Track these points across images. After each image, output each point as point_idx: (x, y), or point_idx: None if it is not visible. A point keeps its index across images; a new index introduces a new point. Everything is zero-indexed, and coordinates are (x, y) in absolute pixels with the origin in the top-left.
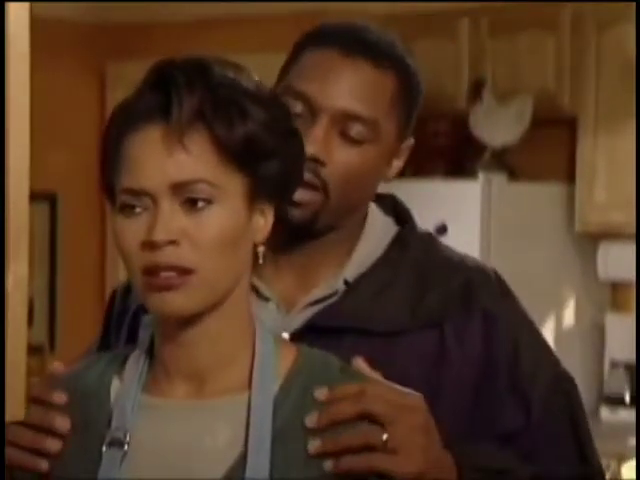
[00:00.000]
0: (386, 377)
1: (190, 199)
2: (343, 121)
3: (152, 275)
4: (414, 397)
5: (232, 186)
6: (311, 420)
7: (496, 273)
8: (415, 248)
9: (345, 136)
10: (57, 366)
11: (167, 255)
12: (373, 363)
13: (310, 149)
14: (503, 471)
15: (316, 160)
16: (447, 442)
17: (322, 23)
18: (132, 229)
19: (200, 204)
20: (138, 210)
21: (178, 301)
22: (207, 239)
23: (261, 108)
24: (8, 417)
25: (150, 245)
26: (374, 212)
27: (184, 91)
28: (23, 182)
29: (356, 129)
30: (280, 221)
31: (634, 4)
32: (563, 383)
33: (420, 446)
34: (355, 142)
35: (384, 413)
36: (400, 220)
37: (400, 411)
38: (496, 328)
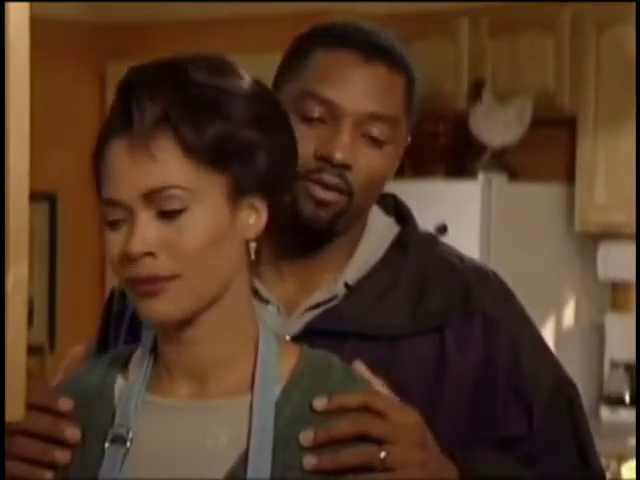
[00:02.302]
0: (387, 382)
1: (164, 204)
2: (366, 123)
3: (136, 284)
4: (411, 413)
5: (208, 187)
6: (306, 438)
7: (496, 275)
8: (415, 250)
9: (368, 138)
10: (77, 350)
11: (145, 267)
12: (374, 367)
13: (338, 155)
14: (505, 479)
15: (344, 166)
16: (449, 450)
17: (329, 23)
18: (115, 241)
19: (175, 209)
20: (119, 222)
21: (163, 308)
22: (187, 246)
23: (237, 103)
24: (8, 417)
25: (127, 258)
26: (375, 213)
27: (145, 98)
28: (23, 182)
29: (379, 130)
30: (295, 225)
31: (634, 4)
32: (565, 388)
33: (418, 463)
34: (377, 143)
35: (382, 433)
36: (401, 220)
37: (398, 429)
38: (496, 332)
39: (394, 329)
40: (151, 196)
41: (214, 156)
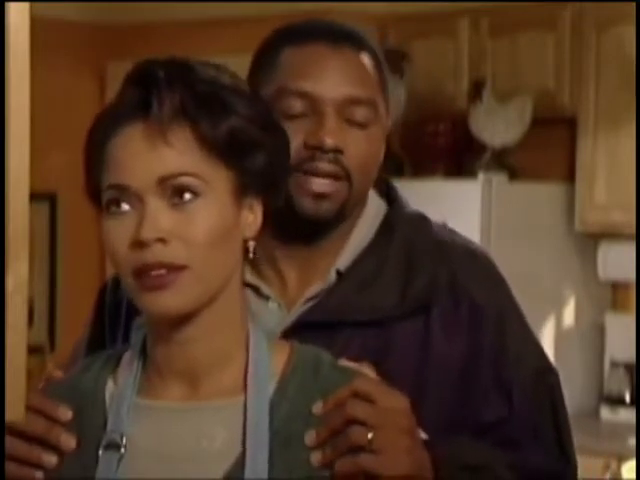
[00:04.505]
0: (379, 367)
1: (177, 191)
2: (347, 108)
3: (143, 275)
4: (399, 399)
5: (219, 181)
6: (310, 439)
7: (486, 257)
8: (403, 229)
9: (352, 122)
10: (53, 370)
11: (156, 253)
12: (367, 355)
13: (329, 141)
14: (481, 466)
15: (337, 150)
16: (430, 437)
17: (291, 23)
18: (119, 230)
19: (187, 197)
20: (124, 209)
21: (171, 300)
22: (197, 234)
23: (243, 102)
24: (8, 417)
25: (139, 244)
26: (372, 199)
27: (164, 87)
28: (23, 182)
29: (360, 112)
30: (294, 217)
31: (634, 4)
32: (547, 375)
33: (405, 448)
34: (361, 126)
35: (368, 417)
36: (390, 202)
37: (385, 414)
38: (482, 317)
39: (383, 312)
40: (164, 182)
41: (226, 150)
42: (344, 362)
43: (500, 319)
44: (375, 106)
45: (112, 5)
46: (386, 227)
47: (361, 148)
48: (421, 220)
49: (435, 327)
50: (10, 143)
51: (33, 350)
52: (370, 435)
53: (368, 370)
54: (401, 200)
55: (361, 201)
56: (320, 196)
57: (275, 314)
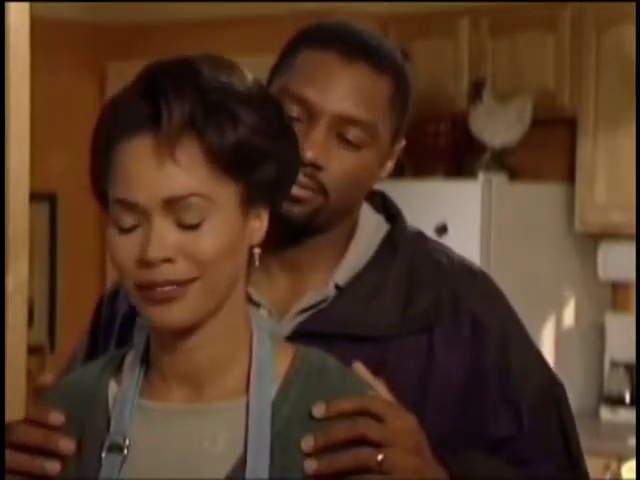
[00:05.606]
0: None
1: (184, 211)
2: (342, 125)
3: (149, 290)
4: (408, 417)
5: (226, 195)
6: (307, 444)
7: (484, 274)
8: (405, 250)
9: (343, 140)
10: (46, 379)
11: (163, 273)
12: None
13: (309, 154)
14: None
15: (314, 165)
16: (438, 454)
17: (319, 23)
18: (126, 245)
19: (194, 217)
20: (131, 224)
21: (177, 313)
22: (204, 252)
23: (252, 110)
24: (8, 417)
25: (145, 263)
26: (365, 212)
27: (173, 98)
28: (23, 182)
29: (354, 133)
30: (277, 220)
31: (634, 4)
32: (552, 388)
33: (414, 467)
34: (353, 146)
35: (379, 437)
36: (390, 218)
37: (395, 433)
38: (484, 334)
39: (383, 330)
40: (171, 202)
41: (233, 163)
42: (358, 367)
43: (503, 335)
44: (374, 130)
45: (112, 5)
46: (389, 245)
47: (345, 168)
48: (420, 239)
49: (438, 342)
50: (10, 143)
51: (33, 350)
52: (380, 457)
53: (380, 386)
54: (402, 218)
55: (343, 216)
56: (294, 199)
57: (266, 321)
